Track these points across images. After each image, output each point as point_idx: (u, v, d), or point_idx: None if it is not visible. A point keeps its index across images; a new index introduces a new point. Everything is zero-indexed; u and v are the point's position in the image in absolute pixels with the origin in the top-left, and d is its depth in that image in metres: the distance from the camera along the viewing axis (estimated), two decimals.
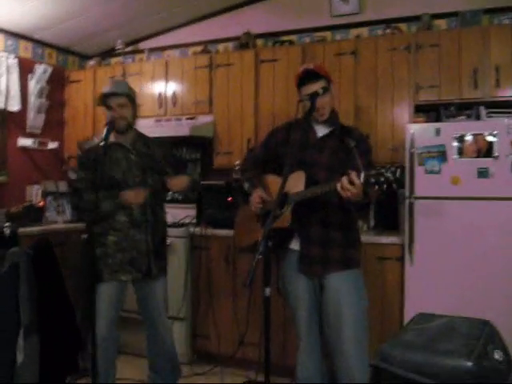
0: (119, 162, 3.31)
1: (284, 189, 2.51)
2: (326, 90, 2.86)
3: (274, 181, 3.03)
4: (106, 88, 3.36)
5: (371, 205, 2.98)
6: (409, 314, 3.54)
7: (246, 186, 3.14)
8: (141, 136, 3.48)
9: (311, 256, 2.88)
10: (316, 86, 2.85)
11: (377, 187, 2.41)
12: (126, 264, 3.27)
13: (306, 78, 2.89)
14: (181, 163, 3.80)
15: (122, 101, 3.31)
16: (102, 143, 3.04)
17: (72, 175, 3.28)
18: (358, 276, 2.94)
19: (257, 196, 3.04)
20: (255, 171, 3.21)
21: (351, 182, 2.47)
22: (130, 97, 3.37)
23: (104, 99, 3.31)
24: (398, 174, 2.36)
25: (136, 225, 3.30)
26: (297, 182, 2.82)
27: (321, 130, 2.99)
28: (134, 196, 3.23)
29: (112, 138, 3.29)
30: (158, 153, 3.46)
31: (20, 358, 3.37)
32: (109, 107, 3.29)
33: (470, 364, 1.20)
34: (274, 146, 3.12)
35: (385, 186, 2.39)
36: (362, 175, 2.41)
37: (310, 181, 2.82)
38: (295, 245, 2.95)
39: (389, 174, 2.37)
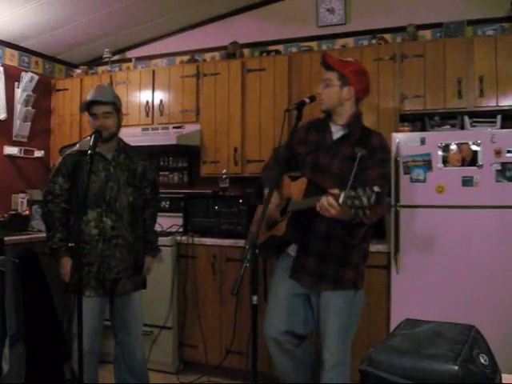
0: (98, 173, 3.16)
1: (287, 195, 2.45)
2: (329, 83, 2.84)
3: (287, 183, 2.93)
4: (91, 94, 3.20)
5: (366, 226, 2.66)
6: (395, 321, 3.55)
7: (265, 184, 3.00)
8: (124, 147, 3.34)
9: (305, 266, 2.81)
10: (326, 75, 2.86)
11: (353, 211, 2.23)
12: (91, 278, 3.14)
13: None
14: (157, 185, 3.59)
15: (107, 109, 3.18)
16: (89, 152, 2.85)
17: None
18: (352, 299, 2.83)
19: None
20: (275, 171, 2.97)
21: (329, 203, 2.35)
22: (116, 105, 3.24)
23: (88, 106, 3.17)
24: (372, 199, 2.16)
25: (106, 239, 3.17)
26: (299, 189, 2.73)
27: (338, 133, 2.88)
28: None
29: None
30: (140, 167, 3.34)
31: (5, 367, 3.32)
32: (93, 115, 3.16)
33: (456, 368, 1.21)
34: (293, 145, 2.96)
35: (360, 211, 2.20)
36: (342, 196, 2.21)
37: (313, 189, 2.68)
38: (292, 250, 2.89)
39: (365, 199, 2.15)
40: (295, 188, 2.76)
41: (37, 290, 3.71)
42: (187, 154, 5.16)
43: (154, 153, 5.16)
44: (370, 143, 2.75)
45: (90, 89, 5.08)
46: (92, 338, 3.16)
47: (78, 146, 3.24)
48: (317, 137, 2.88)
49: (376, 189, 2.15)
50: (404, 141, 3.70)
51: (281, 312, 2.91)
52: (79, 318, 2.73)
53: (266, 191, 2.97)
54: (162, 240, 4.34)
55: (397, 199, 3.69)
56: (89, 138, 3.23)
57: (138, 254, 3.33)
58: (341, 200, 2.21)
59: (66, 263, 3.15)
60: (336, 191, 2.30)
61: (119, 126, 3.30)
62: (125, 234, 3.24)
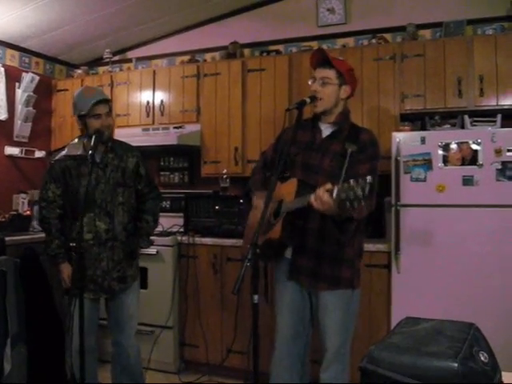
0: (87, 177, 3.01)
1: (272, 198, 2.40)
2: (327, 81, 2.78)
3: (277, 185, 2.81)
4: (92, 95, 3.11)
5: (356, 220, 2.65)
6: (396, 320, 3.55)
7: (252, 189, 3.00)
8: (113, 146, 3.25)
9: (301, 266, 2.78)
10: (323, 73, 2.79)
11: (348, 204, 2.18)
12: (88, 282, 3.09)
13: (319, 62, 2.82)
14: (151, 178, 3.49)
15: (107, 108, 3.16)
16: (89, 155, 2.88)
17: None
18: (350, 297, 2.81)
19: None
20: (263, 174, 3.03)
21: (319, 198, 2.32)
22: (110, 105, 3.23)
23: (91, 107, 3.09)
24: (367, 189, 2.11)
25: (101, 243, 3.14)
26: (290, 190, 2.67)
27: (327, 131, 2.85)
28: None
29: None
30: (131, 165, 3.26)
31: (7, 367, 3.35)
32: (96, 116, 3.09)
33: (455, 365, 1.22)
34: (282, 146, 2.83)
35: (355, 202, 2.16)
36: (335, 190, 2.20)
37: (305, 189, 2.62)
38: (288, 253, 2.85)
39: (359, 190, 2.11)
40: (285, 189, 2.70)
41: (38, 290, 3.72)
42: (188, 154, 5.17)
43: (154, 153, 5.18)
44: (359, 139, 2.74)
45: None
46: (87, 337, 3.08)
47: (66, 150, 3.21)
48: (305, 136, 2.85)
49: (369, 179, 2.12)
50: (404, 140, 3.70)
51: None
52: (81, 321, 2.75)
53: (255, 196, 2.96)
54: (162, 240, 4.36)
55: (397, 198, 3.69)
56: (76, 140, 3.25)
57: (128, 254, 3.28)
58: (335, 194, 2.20)
59: (64, 269, 3.17)
60: (329, 186, 2.28)
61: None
62: (119, 236, 3.21)
